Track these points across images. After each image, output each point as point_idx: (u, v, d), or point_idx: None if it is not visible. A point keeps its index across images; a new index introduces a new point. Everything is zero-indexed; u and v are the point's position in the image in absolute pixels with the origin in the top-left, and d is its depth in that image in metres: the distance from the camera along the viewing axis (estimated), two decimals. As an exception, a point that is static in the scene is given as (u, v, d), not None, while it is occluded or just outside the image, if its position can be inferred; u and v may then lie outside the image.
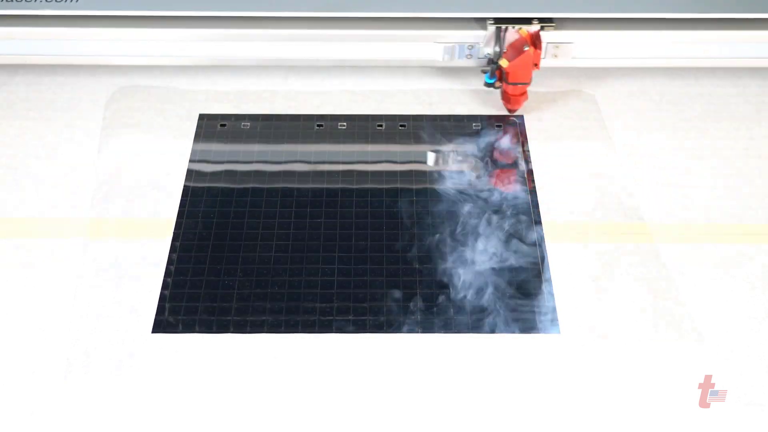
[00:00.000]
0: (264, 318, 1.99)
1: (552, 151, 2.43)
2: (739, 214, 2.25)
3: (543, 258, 2.11)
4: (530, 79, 2.42)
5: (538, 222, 2.21)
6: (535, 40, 2.38)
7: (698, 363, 1.89)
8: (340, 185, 2.32)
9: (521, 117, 2.54)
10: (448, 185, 2.30)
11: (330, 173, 2.37)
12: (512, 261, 2.11)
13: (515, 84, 2.42)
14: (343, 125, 2.52)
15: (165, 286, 2.05)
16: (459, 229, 2.18)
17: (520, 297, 2.03)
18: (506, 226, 2.19)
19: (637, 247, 2.15)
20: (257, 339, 1.94)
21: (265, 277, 2.08)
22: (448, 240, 2.16)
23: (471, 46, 2.48)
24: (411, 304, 2.01)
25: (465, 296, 2.03)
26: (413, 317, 1.99)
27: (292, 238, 2.18)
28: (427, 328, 1.97)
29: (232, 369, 1.88)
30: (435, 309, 2.00)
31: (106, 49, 2.54)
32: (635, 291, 2.04)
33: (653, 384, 1.85)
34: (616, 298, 2.03)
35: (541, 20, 2.42)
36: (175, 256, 2.12)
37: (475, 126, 2.51)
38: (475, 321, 1.98)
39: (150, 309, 2.00)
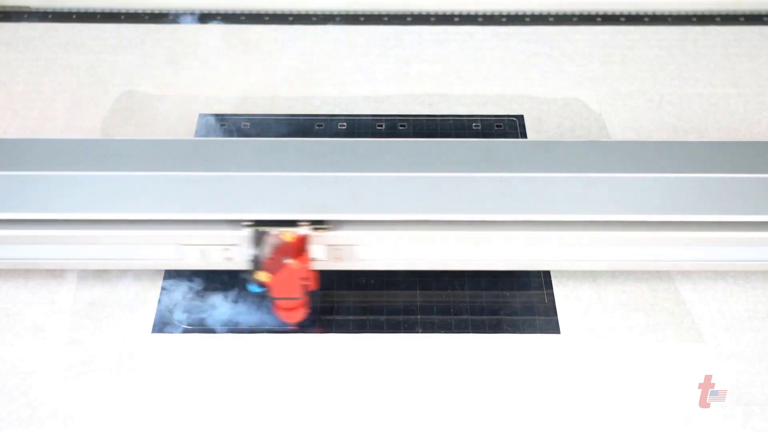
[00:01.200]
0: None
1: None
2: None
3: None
4: (301, 293, 1.92)
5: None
6: (301, 247, 1.89)
7: (698, 363, 1.89)
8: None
9: (521, 117, 2.54)
10: None
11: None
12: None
13: (282, 299, 1.95)
14: (343, 125, 2.52)
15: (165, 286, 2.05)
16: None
17: (520, 297, 2.03)
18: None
19: (637, 247, 2.15)
20: (257, 339, 1.94)
21: (265, 277, 2.09)
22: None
23: (227, 249, 1.95)
24: (411, 304, 2.01)
25: (465, 296, 2.03)
26: (413, 317, 1.99)
27: (292, 238, 2.18)
28: (427, 328, 1.97)
29: (232, 369, 1.88)
30: (435, 309, 2.00)
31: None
32: (635, 291, 2.04)
33: (653, 384, 1.85)
34: (616, 298, 2.03)
35: (313, 222, 1.89)
36: (175, 256, 2.13)
37: (475, 126, 2.51)
38: (475, 321, 1.98)
39: (150, 309, 2.00)
